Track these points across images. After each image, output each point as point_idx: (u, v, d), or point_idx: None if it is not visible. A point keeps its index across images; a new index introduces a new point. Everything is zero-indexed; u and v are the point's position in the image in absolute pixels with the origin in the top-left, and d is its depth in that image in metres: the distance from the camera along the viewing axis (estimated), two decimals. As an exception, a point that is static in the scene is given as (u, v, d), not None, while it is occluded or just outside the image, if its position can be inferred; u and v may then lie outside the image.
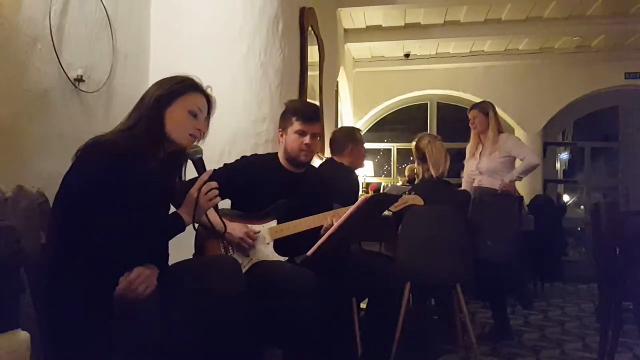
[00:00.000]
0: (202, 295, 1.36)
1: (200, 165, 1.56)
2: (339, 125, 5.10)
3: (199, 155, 1.55)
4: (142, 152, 1.45)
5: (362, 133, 6.61)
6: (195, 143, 1.57)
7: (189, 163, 1.59)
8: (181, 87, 1.55)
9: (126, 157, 1.39)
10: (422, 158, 3.05)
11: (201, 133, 1.57)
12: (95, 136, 1.43)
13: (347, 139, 3.11)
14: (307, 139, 2.11)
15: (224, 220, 1.70)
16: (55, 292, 1.32)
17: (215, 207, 1.60)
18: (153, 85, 1.58)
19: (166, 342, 1.32)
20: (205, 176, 1.52)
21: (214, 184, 1.54)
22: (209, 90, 1.63)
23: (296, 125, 2.11)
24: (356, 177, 3.16)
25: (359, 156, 3.14)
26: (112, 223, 1.33)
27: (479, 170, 3.48)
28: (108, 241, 1.32)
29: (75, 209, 1.32)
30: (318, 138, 2.21)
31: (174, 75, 1.60)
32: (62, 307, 1.30)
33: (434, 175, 2.97)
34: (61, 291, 1.31)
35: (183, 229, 1.53)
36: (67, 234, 1.32)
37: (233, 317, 1.37)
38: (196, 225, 1.57)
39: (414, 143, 3.14)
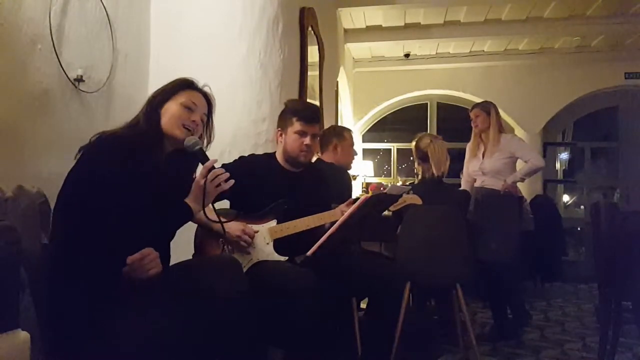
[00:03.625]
0: (203, 295, 1.35)
1: (201, 155, 1.58)
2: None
3: (198, 146, 1.57)
4: (147, 146, 1.48)
5: (362, 133, 6.71)
6: (200, 141, 1.59)
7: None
8: (176, 85, 1.62)
9: (133, 150, 1.43)
10: (423, 158, 3.04)
11: (196, 125, 1.59)
12: (99, 132, 1.46)
13: (332, 134, 3.07)
14: (307, 140, 2.11)
15: (221, 220, 1.69)
16: (56, 292, 1.32)
17: (215, 209, 1.61)
18: None
19: (167, 342, 1.32)
20: (209, 163, 1.55)
21: (221, 170, 1.57)
22: (206, 89, 1.66)
23: (297, 126, 2.11)
24: (349, 175, 3.14)
25: (345, 155, 3.08)
26: (124, 216, 1.34)
27: (482, 170, 3.47)
28: (119, 235, 1.33)
29: (86, 205, 1.33)
30: (317, 138, 2.20)
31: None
32: (62, 307, 1.30)
33: (436, 174, 2.97)
34: (62, 291, 1.31)
35: (191, 217, 1.56)
36: (75, 232, 1.33)
37: (234, 317, 1.37)
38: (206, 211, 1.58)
39: (413, 143, 3.13)
